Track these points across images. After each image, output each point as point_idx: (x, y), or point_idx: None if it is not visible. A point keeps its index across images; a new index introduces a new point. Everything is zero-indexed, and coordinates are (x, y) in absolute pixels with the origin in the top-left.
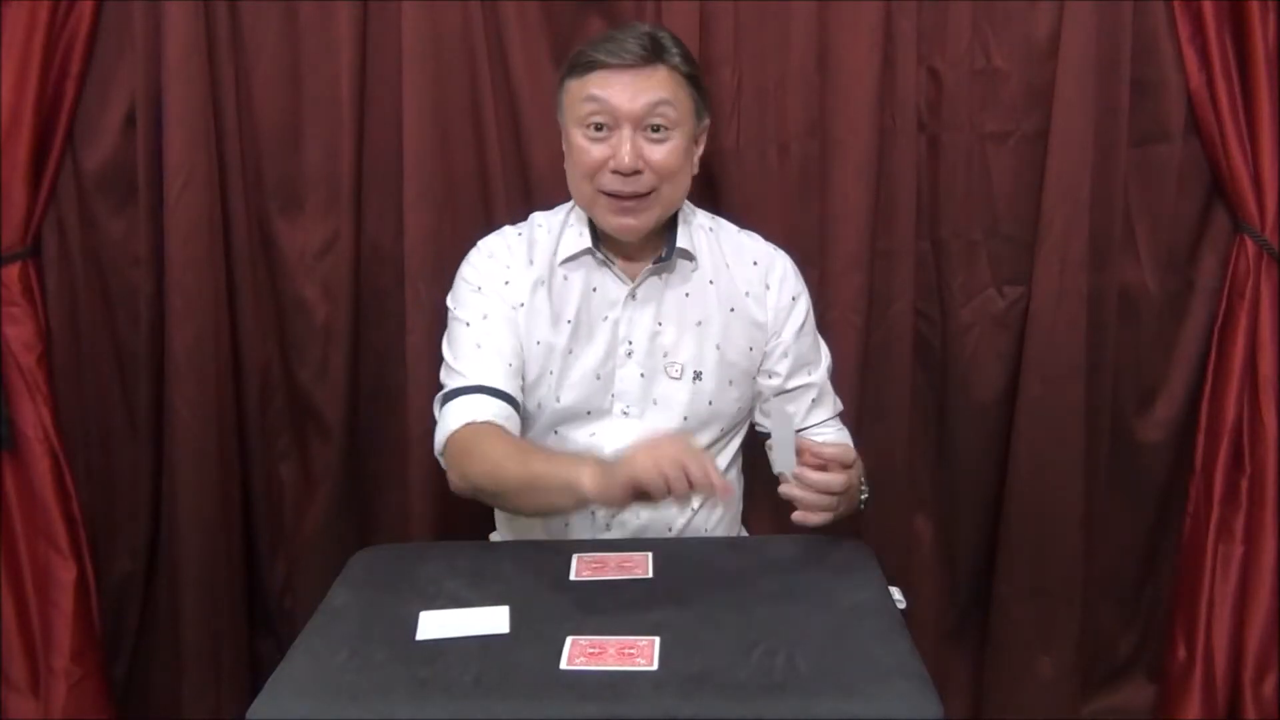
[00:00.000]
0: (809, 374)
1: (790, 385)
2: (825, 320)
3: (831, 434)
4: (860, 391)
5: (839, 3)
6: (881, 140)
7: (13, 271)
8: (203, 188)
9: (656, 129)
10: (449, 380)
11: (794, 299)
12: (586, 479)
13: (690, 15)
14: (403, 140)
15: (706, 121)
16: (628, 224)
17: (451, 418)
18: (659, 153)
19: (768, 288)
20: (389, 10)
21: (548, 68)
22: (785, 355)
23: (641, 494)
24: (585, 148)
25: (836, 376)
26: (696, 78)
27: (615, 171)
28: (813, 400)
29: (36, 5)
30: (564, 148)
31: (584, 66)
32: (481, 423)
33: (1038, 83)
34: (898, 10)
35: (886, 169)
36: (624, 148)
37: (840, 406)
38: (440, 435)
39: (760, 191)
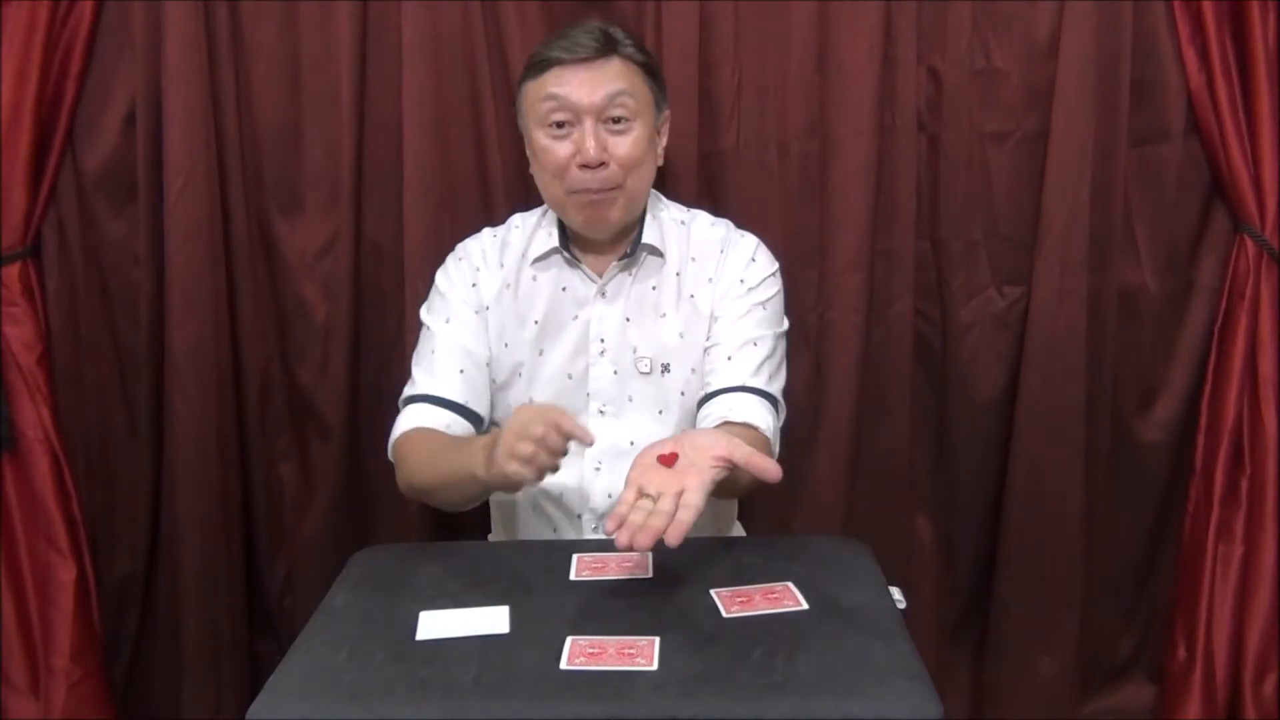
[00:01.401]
0: (730, 331)
1: (707, 343)
2: (825, 320)
3: (747, 407)
4: (860, 391)
5: (839, 3)
6: (881, 140)
7: (13, 271)
8: (203, 188)
9: (618, 120)
10: (408, 387)
11: (741, 281)
12: (479, 468)
13: (690, 15)
14: (403, 140)
15: (667, 113)
16: (598, 217)
17: (399, 425)
18: (623, 145)
19: (726, 270)
20: (389, 10)
21: None
22: (716, 320)
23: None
24: (549, 147)
25: (837, 376)
26: (652, 67)
27: (582, 166)
28: (728, 358)
29: (36, 5)
30: (528, 153)
31: (539, 67)
32: (423, 429)
33: (1038, 83)
34: (898, 10)
35: (886, 169)
36: (588, 141)
37: (773, 390)
38: (390, 443)
39: (760, 191)
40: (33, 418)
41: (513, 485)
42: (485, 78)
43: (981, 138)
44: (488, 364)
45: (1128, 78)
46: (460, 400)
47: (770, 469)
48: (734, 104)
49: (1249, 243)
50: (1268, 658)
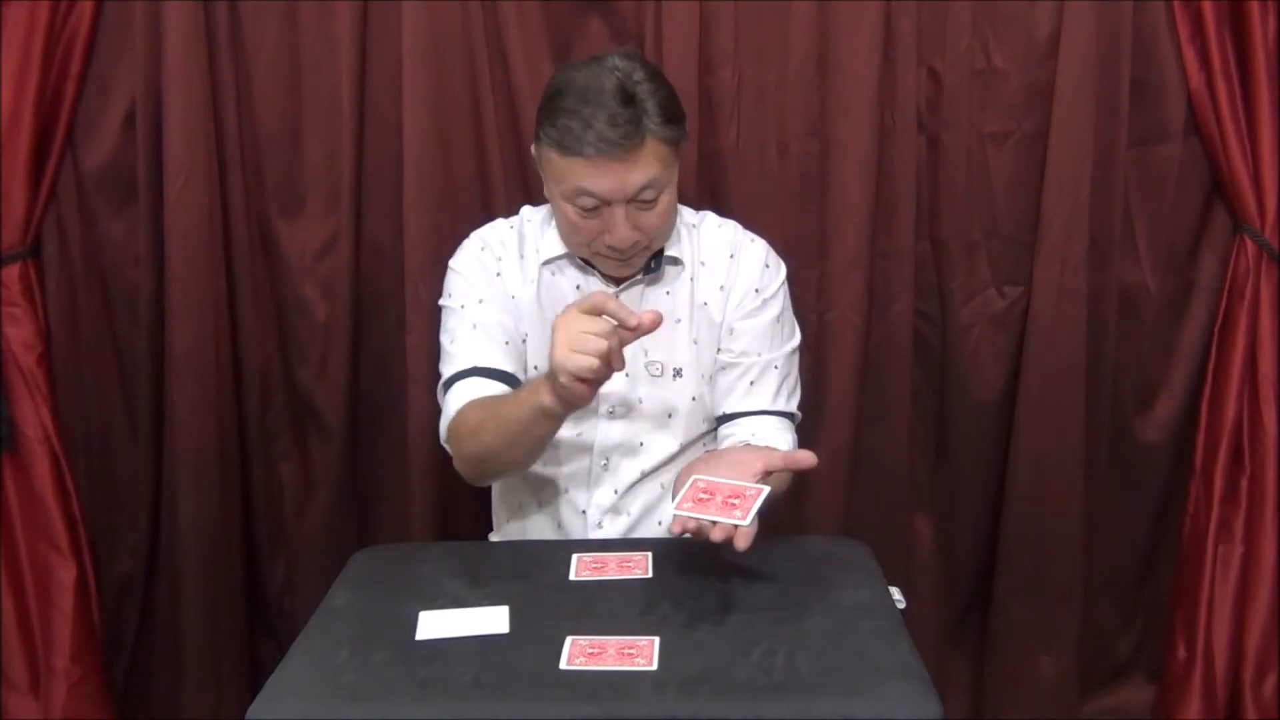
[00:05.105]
0: (750, 354)
1: (726, 359)
2: (825, 320)
3: (768, 431)
4: (860, 391)
5: (839, 3)
6: (881, 140)
7: (13, 271)
8: (203, 188)
9: (646, 200)
10: (447, 367)
11: (757, 290)
12: (546, 397)
13: (690, 15)
14: (403, 140)
15: (685, 139)
16: (624, 270)
17: (452, 404)
18: (651, 218)
19: (738, 277)
20: (389, 10)
21: (548, 68)
22: (731, 332)
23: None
24: (578, 224)
25: (837, 376)
26: (677, 135)
27: (611, 246)
28: (750, 383)
29: (36, 5)
30: (543, 176)
31: (565, 149)
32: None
33: (1038, 83)
34: (898, 10)
35: (886, 169)
36: (619, 230)
37: (792, 408)
38: (442, 424)
39: (760, 191)
40: (33, 418)
41: (579, 394)
42: (485, 78)
43: (981, 138)
44: (524, 341)
45: (1128, 78)
46: (511, 370)
47: (804, 458)
48: (734, 104)
49: (1249, 243)
50: (1268, 658)
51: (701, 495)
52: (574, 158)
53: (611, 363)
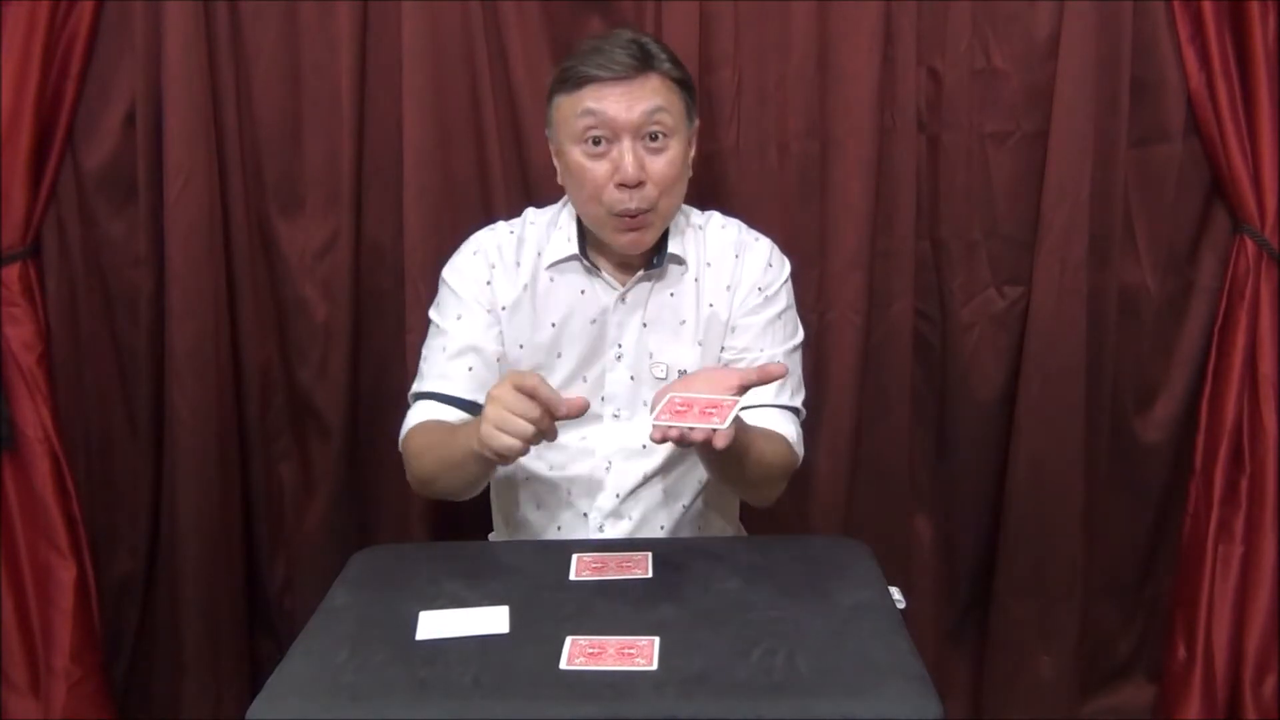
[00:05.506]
0: (753, 350)
1: (729, 356)
2: (825, 320)
3: (772, 420)
4: (860, 391)
5: (839, 3)
6: (881, 140)
7: (13, 271)
8: (203, 188)
9: (655, 137)
10: (416, 381)
11: (760, 289)
12: (475, 443)
13: (690, 15)
14: (403, 140)
15: (696, 123)
16: (635, 240)
17: (409, 421)
18: (659, 163)
19: (743, 276)
20: (389, 10)
21: (548, 68)
22: (734, 330)
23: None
24: (586, 166)
25: (837, 376)
26: (686, 81)
27: (621, 185)
28: None
29: (36, 5)
30: (556, 164)
31: (575, 82)
32: (429, 422)
33: (1038, 83)
34: (898, 10)
35: (886, 169)
36: (626, 159)
37: (796, 404)
38: (400, 436)
39: (760, 191)
40: (33, 418)
41: (500, 463)
42: (485, 78)
43: (981, 138)
44: (498, 360)
45: (1128, 78)
46: (467, 396)
47: (776, 370)
48: (734, 104)
49: (1249, 243)
50: (1268, 658)
51: (679, 409)
52: (582, 88)
53: (544, 436)
